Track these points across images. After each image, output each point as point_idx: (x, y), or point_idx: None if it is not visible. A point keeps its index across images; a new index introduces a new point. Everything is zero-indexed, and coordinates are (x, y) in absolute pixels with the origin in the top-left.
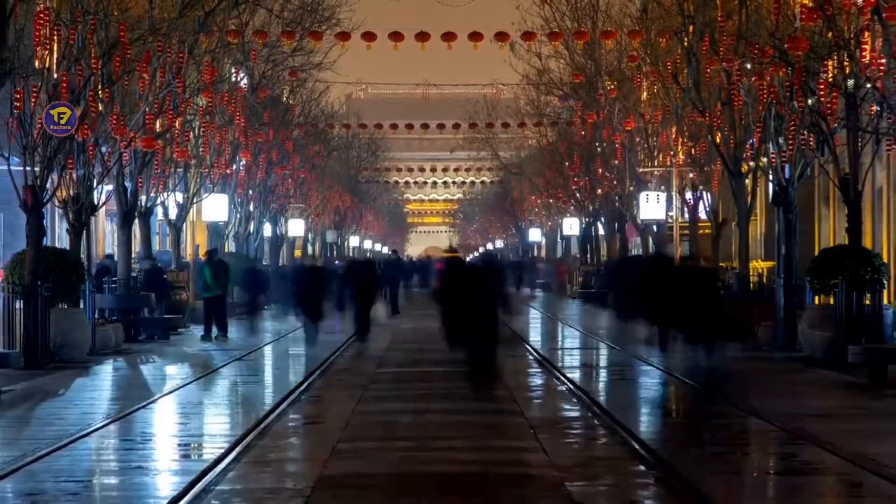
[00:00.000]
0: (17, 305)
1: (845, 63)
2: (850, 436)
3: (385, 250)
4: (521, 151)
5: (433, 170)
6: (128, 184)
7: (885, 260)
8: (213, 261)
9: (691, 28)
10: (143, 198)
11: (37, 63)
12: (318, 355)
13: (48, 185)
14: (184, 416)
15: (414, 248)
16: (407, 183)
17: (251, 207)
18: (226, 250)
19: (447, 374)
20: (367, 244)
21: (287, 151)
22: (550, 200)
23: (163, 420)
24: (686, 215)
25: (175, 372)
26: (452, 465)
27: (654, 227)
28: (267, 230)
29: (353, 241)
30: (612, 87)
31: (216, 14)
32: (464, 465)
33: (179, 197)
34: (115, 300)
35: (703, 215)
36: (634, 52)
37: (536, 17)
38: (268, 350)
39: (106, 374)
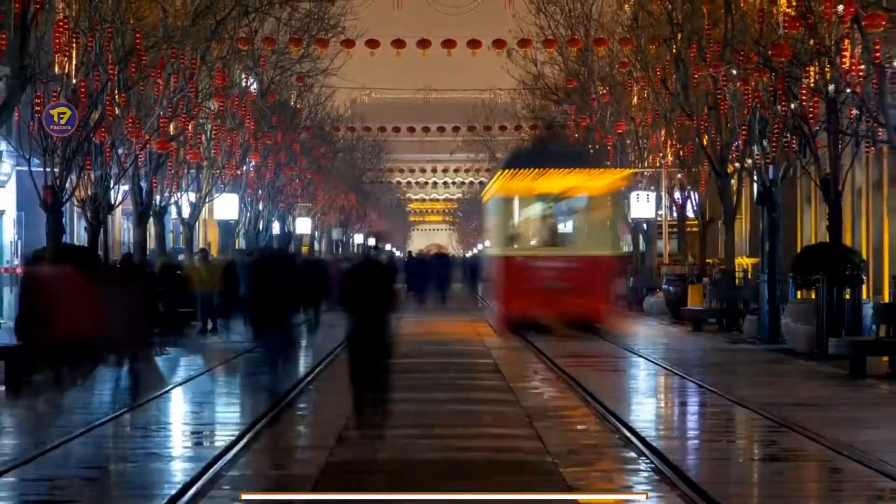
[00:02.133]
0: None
1: (826, 69)
2: (831, 424)
3: (388, 247)
4: None
5: (434, 170)
6: (143, 184)
7: (864, 257)
8: (206, 260)
9: (679, 36)
10: (158, 197)
11: (56, 69)
12: None
13: (67, 185)
14: (196, 406)
15: (415, 246)
16: (409, 183)
17: (260, 206)
18: (236, 247)
19: None
20: (371, 241)
21: (295, 153)
22: None
23: (176, 409)
24: (675, 214)
25: (188, 363)
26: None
27: (644, 225)
28: (276, 228)
29: (358, 238)
30: (605, 91)
31: (227, 22)
32: None
33: (192, 196)
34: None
35: (690, 214)
36: (625, 58)
37: (532, 25)
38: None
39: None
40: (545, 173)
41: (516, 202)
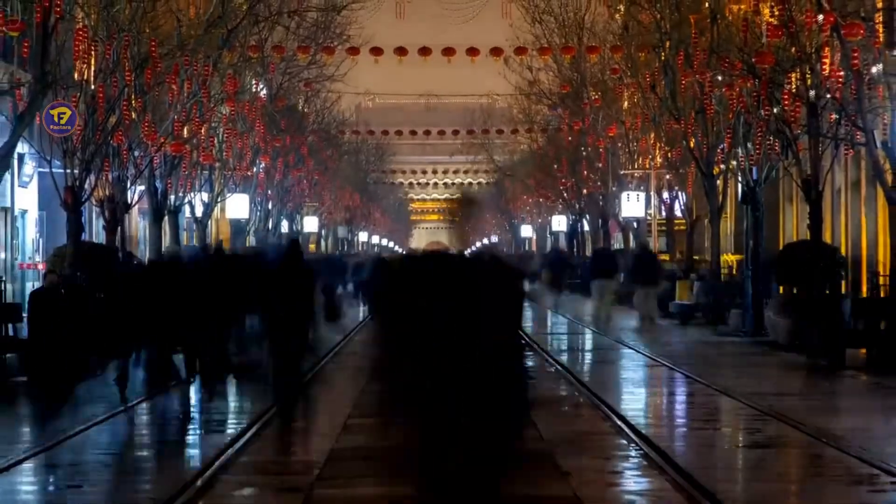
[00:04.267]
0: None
1: (807, 75)
2: (812, 412)
3: (391, 245)
4: (514, 155)
5: (434, 172)
6: (158, 185)
7: (843, 254)
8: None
9: (668, 44)
10: (172, 197)
11: (76, 75)
12: None
13: (86, 185)
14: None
15: (416, 243)
16: (411, 184)
17: (270, 206)
18: (247, 244)
19: None
20: (375, 239)
21: (302, 155)
22: (540, 200)
23: (190, 400)
24: (663, 213)
25: None
26: None
27: (635, 224)
28: (284, 226)
29: (362, 236)
30: (597, 97)
31: (238, 31)
32: None
33: (205, 196)
34: None
35: (678, 213)
36: (616, 65)
37: (528, 34)
38: None
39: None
40: None
41: None
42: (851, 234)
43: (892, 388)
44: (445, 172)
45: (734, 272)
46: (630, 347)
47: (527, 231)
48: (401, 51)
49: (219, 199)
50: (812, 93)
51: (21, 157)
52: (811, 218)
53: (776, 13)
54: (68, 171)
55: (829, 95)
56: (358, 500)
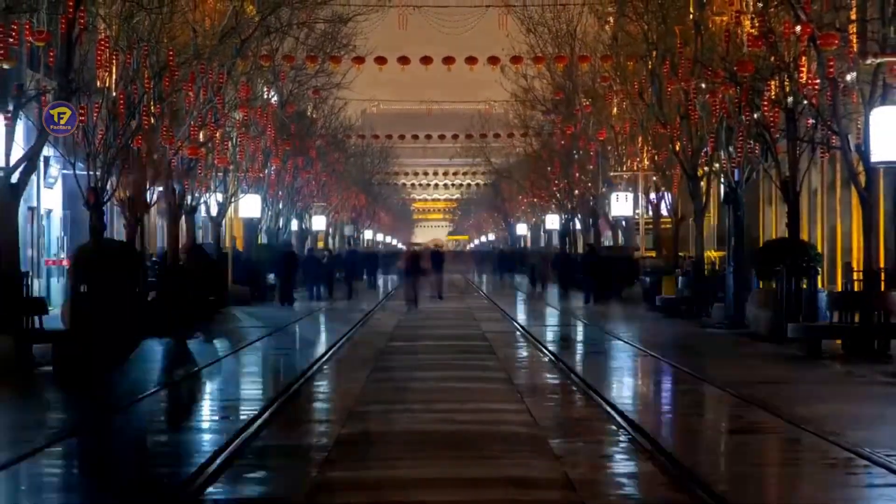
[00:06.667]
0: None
1: (786, 83)
2: (790, 400)
3: (394, 242)
4: (509, 158)
5: (435, 173)
6: (176, 185)
7: (819, 250)
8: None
9: (654, 53)
10: (189, 197)
11: (98, 83)
12: None
13: (108, 186)
14: (223, 383)
15: (418, 240)
16: (413, 185)
17: (280, 205)
18: (259, 241)
19: None
20: (380, 237)
21: (311, 158)
22: (535, 200)
23: (205, 387)
24: (650, 212)
25: (215, 346)
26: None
27: (623, 223)
28: (294, 225)
29: (368, 234)
30: (587, 103)
31: (251, 41)
32: None
33: (220, 197)
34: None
35: (664, 212)
36: (606, 73)
37: (523, 44)
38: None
39: (155, 349)
40: None
41: None
42: (827, 232)
43: (865, 376)
44: (445, 174)
45: (717, 268)
46: (619, 339)
47: (522, 229)
48: (403, 60)
49: (232, 200)
50: (790, 99)
51: (46, 160)
52: (789, 217)
53: (756, 24)
54: (91, 172)
55: (806, 102)
56: (363, 482)
